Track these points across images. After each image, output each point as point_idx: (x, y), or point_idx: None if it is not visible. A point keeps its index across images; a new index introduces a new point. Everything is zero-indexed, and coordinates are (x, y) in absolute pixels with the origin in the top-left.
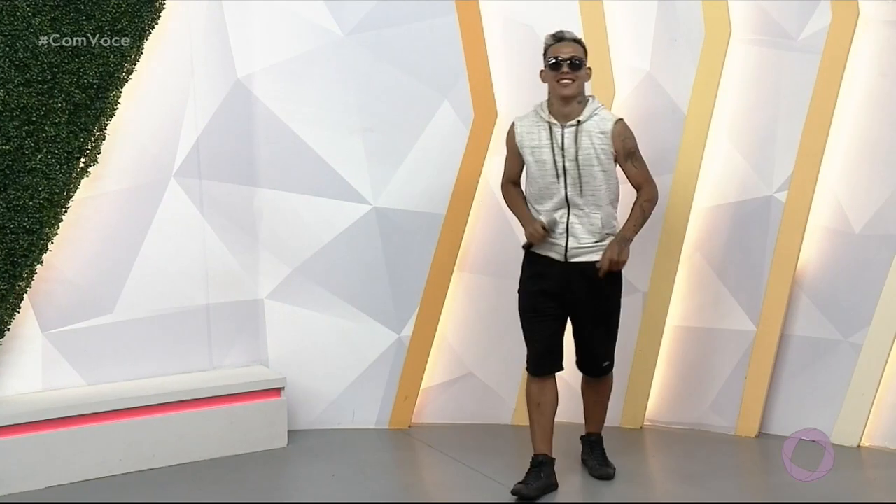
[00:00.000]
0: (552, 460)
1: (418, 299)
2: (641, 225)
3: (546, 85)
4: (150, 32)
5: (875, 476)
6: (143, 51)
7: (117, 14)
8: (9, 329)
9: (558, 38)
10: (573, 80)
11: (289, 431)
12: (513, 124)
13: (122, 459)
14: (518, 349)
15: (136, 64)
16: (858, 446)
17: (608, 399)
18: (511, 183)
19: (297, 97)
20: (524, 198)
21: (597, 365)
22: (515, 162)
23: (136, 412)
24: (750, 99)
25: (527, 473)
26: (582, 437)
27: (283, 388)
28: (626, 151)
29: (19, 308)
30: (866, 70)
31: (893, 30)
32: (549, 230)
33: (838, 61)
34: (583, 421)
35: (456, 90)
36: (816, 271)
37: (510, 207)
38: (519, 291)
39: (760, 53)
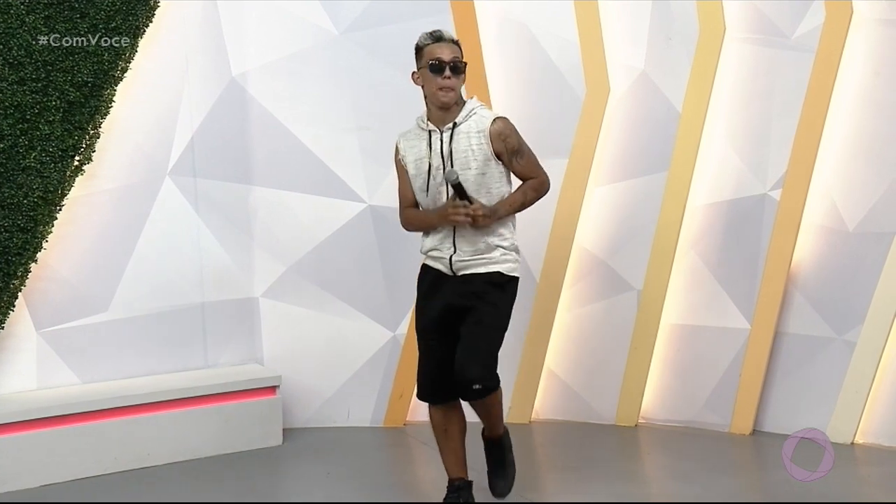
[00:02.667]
0: (469, 483)
1: (413, 297)
2: (518, 208)
3: (420, 89)
4: (145, 31)
5: (868, 473)
6: (138, 49)
7: (112, 12)
8: (3, 327)
9: (437, 37)
10: (454, 89)
11: (284, 429)
12: (396, 143)
13: (117, 458)
14: (512, 346)
15: (130, 62)
16: (852, 443)
17: (497, 413)
18: (409, 208)
19: (292, 95)
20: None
21: (467, 386)
22: (405, 185)
23: (131, 410)
24: (744, 97)
25: (447, 497)
26: (482, 435)
27: (278, 386)
28: (509, 151)
29: (14, 306)
30: (860, 68)
31: (887, 28)
32: (459, 194)
33: (832, 60)
34: (581, 419)
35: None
36: (810, 269)
37: (415, 223)
38: (416, 310)
39: (755, 52)
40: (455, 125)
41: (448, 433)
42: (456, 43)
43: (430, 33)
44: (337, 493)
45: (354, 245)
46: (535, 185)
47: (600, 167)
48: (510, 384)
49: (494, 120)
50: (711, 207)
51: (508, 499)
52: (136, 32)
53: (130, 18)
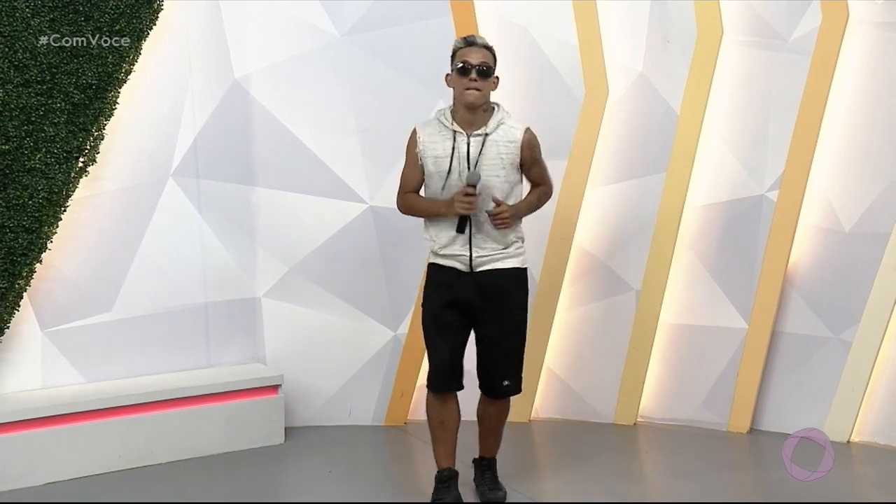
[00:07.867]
0: (456, 473)
1: (414, 297)
2: (534, 209)
3: (452, 90)
4: (149, 33)
5: (865, 471)
6: (142, 51)
7: (116, 15)
8: (8, 327)
9: (469, 42)
10: (480, 90)
11: (286, 428)
12: (414, 131)
13: (121, 456)
14: None
15: (134, 64)
16: (849, 442)
17: (503, 427)
18: (410, 193)
19: (294, 97)
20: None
21: (496, 385)
22: (414, 172)
23: (134, 409)
24: (741, 99)
25: (436, 490)
26: (475, 460)
27: (280, 385)
28: (532, 159)
29: (19, 306)
30: (856, 70)
31: (882, 31)
32: (472, 185)
33: (828, 62)
34: (580, 418)
35: (451, 90)
36: (807, 269)
37: (415, 209)
38: (423, 305)
39: (752, 54)
40: (487, 135)
41: (445, 424)
42: (489, 49)
43: (465, 38)
44: (338, 492)
45: (356, 245)
46: (546, 190)
47: (599, 168)
48: None
49: (526, 130)
50: (709, 208)
51: (509, 498)
52: (140, 35)
53: (134, 21)
